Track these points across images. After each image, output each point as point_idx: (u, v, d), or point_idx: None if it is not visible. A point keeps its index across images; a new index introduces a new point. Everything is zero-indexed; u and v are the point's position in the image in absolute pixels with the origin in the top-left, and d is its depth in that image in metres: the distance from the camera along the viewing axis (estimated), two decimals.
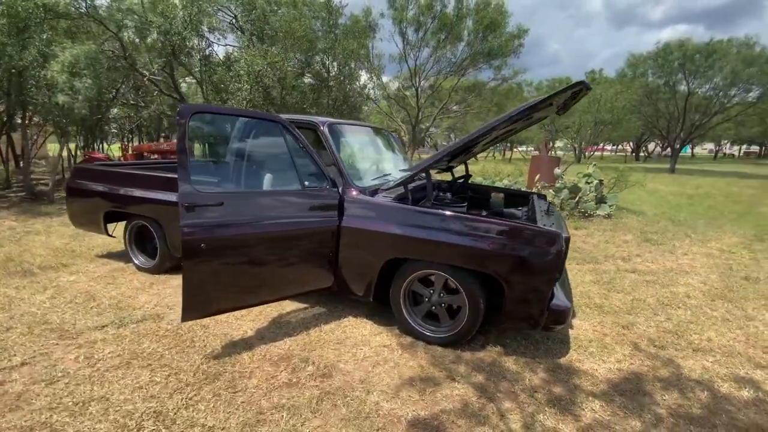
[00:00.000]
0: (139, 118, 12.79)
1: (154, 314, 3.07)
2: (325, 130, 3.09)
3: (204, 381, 2.27)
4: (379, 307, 3.10)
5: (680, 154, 33.31)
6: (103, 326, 2.85)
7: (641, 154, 39.97)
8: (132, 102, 12.45)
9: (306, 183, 2.81)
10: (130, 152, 9.50)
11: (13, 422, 1.91)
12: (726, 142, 38.63)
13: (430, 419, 2.04)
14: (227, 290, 2.48)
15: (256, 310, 3.14)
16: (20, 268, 3.93)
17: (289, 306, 3.27)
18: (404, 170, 3.27)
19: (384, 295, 2.90)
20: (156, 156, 9.18)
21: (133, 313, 3.08)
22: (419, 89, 14.37)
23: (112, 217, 4.13)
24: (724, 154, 43.65)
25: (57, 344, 2.61)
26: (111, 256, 4.49)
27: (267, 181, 2.89)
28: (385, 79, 12.33)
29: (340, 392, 2.23)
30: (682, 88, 19.23)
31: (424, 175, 2.97)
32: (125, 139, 13.44)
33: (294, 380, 2.32)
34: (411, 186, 2.96)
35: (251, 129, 3.14)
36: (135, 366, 2.40)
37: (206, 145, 6.70)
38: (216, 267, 2.38)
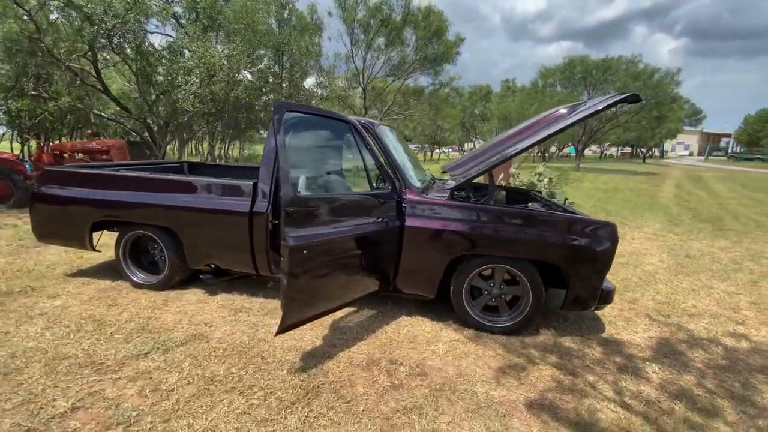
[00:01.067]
0: (44, 112, 10.77)
1: (196, 334, 2.74)
2: (379, 131, 3.07)
3: (307, 396, 2.14)
4: (427, 303, 3.19)
5: (569, 154, 38.55)
6: (146, 353, 2.46)
7: (545, 154, 45.37)
8: (33, 92, 10.45)
9: (373, 185, 2.78)
10: (47, 152, 7.94)
11: None
12: (608, 144, 45.71)
13: (540, 399, 2.22)
14: (320, 296, 2.36)
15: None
16: None
17: (337, 312, 3.17)
18: (453, 171, 3.40)
19: (442, 291, 3.00)
20: (82, 156, 7.82)
21: (171, 335, 2.70)
22: (366, 89, 14.53)
23: (96, 228, 3.52)
24: (605, 154, 51.59)
25: (100, 380, 2.20)
26: (85, 273, 3.82)
27: (344, 183, 2.80)
28: (330, 79, 12.16)
29: (447, 388, 2.28)
30: (584, 98, 22.50)
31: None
32: (43, 137, 11.12)
33: (396, 382, 2.31)
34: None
35: (327, 129, 2.99)
36: (217, 392, 2.14)
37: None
38: (315, 273, 2.25)
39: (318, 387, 2.22)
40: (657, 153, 50.72)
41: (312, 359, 2.49)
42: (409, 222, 2.87)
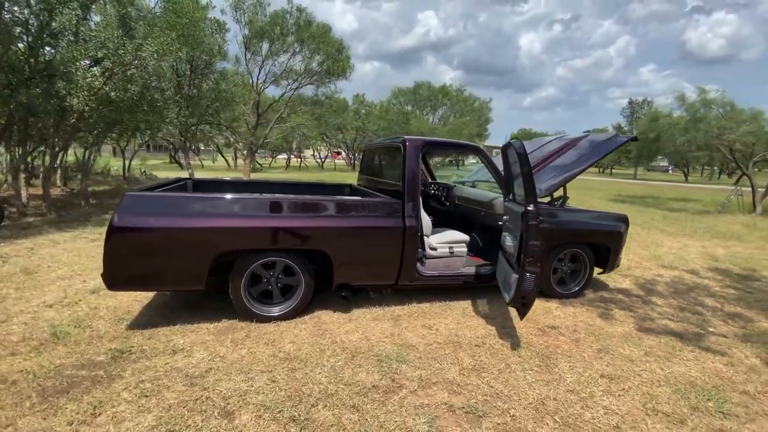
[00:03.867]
0: None
1: (453, 341, 2.95)
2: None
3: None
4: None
5: None
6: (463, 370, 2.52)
7: None
8: None
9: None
10: None
11: None
12: None
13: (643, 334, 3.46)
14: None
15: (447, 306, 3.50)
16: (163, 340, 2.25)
17: (452, 299, 3.72)
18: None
19: None
20: None
21: (428, 353, 2.74)
22: (260, 94, 13.66)
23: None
24: None
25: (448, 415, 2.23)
26: (156, 317, 3.04)
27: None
28: (229, 85, 11.15)
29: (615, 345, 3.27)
30: (430, 118, 27.28)
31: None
32: None
33: (576, 344, 3.14)
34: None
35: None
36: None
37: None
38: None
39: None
40: None
41: (500, 338, 3.06)
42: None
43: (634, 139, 4.33)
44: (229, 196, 2.91)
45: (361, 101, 36.00)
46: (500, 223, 3.49)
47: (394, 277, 3.38)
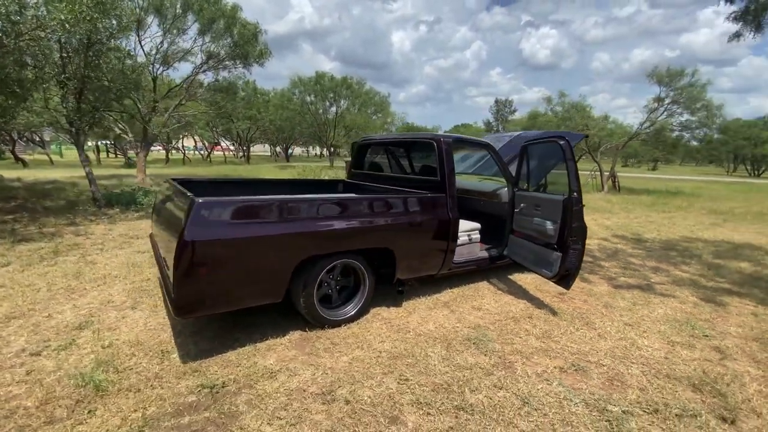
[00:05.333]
0: None
1: (508, 317, 3.16)
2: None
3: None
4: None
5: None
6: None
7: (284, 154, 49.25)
8: None
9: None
10: None
11: None
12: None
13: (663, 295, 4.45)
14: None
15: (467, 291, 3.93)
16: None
17: (467, 284, 4.18)
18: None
19: None
20: None
21: (501, 330, 2.98)
22: (158, 74, 11.50)
23: None
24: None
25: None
26: (214, 344, 2.67)
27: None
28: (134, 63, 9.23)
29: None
30: (333, 108, 27.02)
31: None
32: None
33: (588, 305, 3.88)
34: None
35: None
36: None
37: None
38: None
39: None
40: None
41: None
42: None
43: (586, 136, 5.36)
44: (309, 197, 2.72)
45: (254, 88, 33.55)
46: (516, 210, 4.00)
47: (439, 267, 3.60)
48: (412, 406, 2.13)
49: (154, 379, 2.32)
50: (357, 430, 1.95)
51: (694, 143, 22.65)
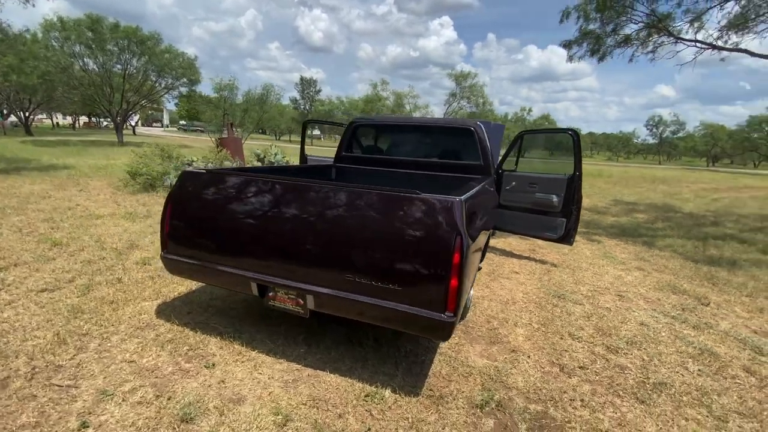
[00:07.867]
0: None
1: (552, 286, 3.50)
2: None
3: None
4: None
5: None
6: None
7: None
8: None
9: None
10: None
11: None
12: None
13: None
14: None
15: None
16: None
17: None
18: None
19: None
20: None
21: (570, 291, 3.26)
22: None
23: None
24: (58, 124, 44.93)
25: None
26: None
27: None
28: None
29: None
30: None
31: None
32: None
33: (596, 263, 4.80)
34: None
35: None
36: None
37: None
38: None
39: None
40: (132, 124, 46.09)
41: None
42: None
43: (503, 126, 6.33)
44: None
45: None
46: (507, 188, 4.45)
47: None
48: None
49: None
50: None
51: None
